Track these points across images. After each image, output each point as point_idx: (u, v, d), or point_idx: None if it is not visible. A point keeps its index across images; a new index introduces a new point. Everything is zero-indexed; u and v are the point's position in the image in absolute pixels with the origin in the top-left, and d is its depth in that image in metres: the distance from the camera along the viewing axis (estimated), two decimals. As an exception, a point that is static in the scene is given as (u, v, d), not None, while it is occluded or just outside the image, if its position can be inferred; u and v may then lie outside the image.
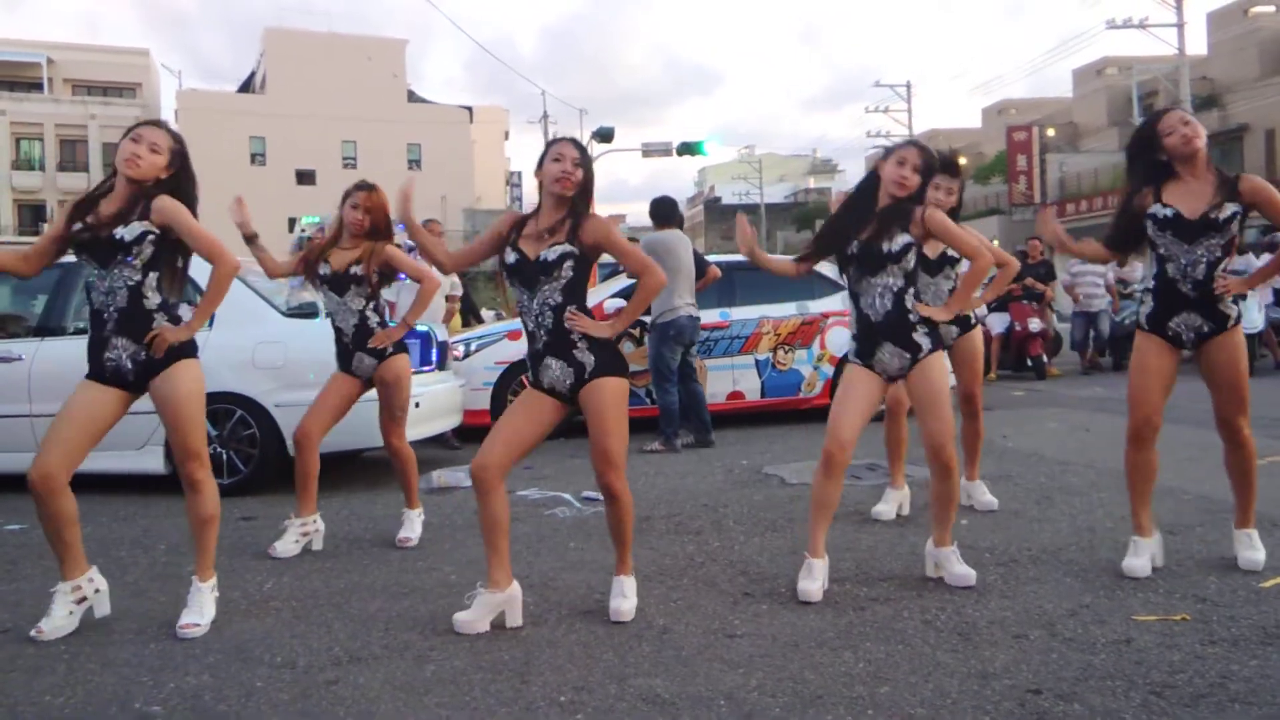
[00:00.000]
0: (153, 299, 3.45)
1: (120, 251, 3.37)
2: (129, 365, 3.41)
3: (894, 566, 4.02)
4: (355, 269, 4.53)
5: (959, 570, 3.71)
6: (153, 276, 3.44)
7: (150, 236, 3.39)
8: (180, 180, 3.49)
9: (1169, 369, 3.76)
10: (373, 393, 4.71)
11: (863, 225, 3.70)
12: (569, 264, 3.37)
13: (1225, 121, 32.61)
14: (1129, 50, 35.75)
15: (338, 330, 4.63)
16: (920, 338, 3.69)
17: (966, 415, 5.02)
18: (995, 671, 2.89)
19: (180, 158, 3.50)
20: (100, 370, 3.43)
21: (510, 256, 3.44)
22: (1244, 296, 10.50)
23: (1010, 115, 46.71)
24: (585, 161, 3.44)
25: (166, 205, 3.40)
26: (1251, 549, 3.83)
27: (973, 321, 5.01)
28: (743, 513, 5.16)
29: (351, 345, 4.59)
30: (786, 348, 8.56)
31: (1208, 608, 3.38)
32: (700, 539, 4.62)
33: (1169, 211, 3.63)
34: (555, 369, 3.40)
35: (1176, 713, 2.58)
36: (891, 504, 5.00)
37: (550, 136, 32.17)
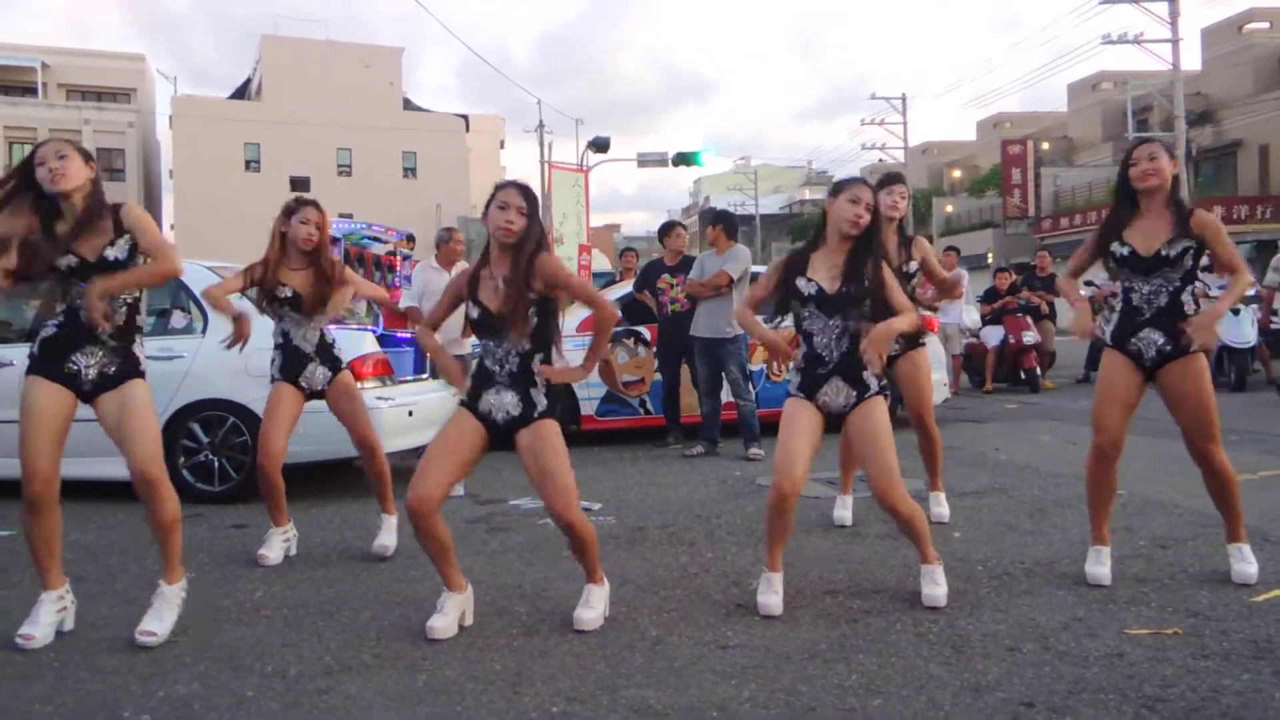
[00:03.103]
0: (142, 316, 3.55)
1: (117, 269, 3.38)
2: (92, 375, 3.41)
3: (887, 579, 4.02)
4: (324, 299, 4.52)
5: (927, 590, 3.67)
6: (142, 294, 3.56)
7: (136, 249, 3.43)
8: (98, 179, 3.48)
9: (1133, 389, 3.83)
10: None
11: (812, 266, 3.70)
12: (532, 311, 3.37)
13: (1219, 137, 32.76)
14: (1124, 65, 35.99)
15: (292, 346, 4.55)
16: (869, 377, 3.66)
17: (921, 432, 5.04)
18: (988, 684, 2.88)
19: (87, 154, 3.46)
20: (54, 369, 3.39)
21: (473, 311, 3.43)
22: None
23: (1005, 129, 46.88)
24: (531, 209, 3.41)
25: (134, 214, 3.44)
26: (1243, 562, 3.85)
27: (920, 341, 5.02)
28: (736, 524, 5.15)
29: (316, 358, 4.56)
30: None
31: (1200, 622, 3.38)
32: (694, 550, 4.62)
33: (1125, 250, 3.79)
34: (508, 399, 3.40)
35: (1169, 727, 2.58)
36: (848, 509, 5.08)
37: (546, 146, 32.24)
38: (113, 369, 3.43)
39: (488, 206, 3.43)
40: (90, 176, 3.42)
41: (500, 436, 3.47)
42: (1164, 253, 3.72)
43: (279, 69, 45.37)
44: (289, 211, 4.55)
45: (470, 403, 3.47)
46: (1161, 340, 3.76)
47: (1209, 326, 3.70)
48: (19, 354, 6.03)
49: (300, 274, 4.51)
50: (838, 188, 3.75)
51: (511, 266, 3.38)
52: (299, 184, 44.94)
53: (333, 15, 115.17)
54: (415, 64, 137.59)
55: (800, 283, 3.68)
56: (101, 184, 3.49)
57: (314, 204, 4.59)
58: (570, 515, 3.40)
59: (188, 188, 43.07)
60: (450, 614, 3.44)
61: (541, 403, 3.42)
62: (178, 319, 6.35)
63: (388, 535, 4.67)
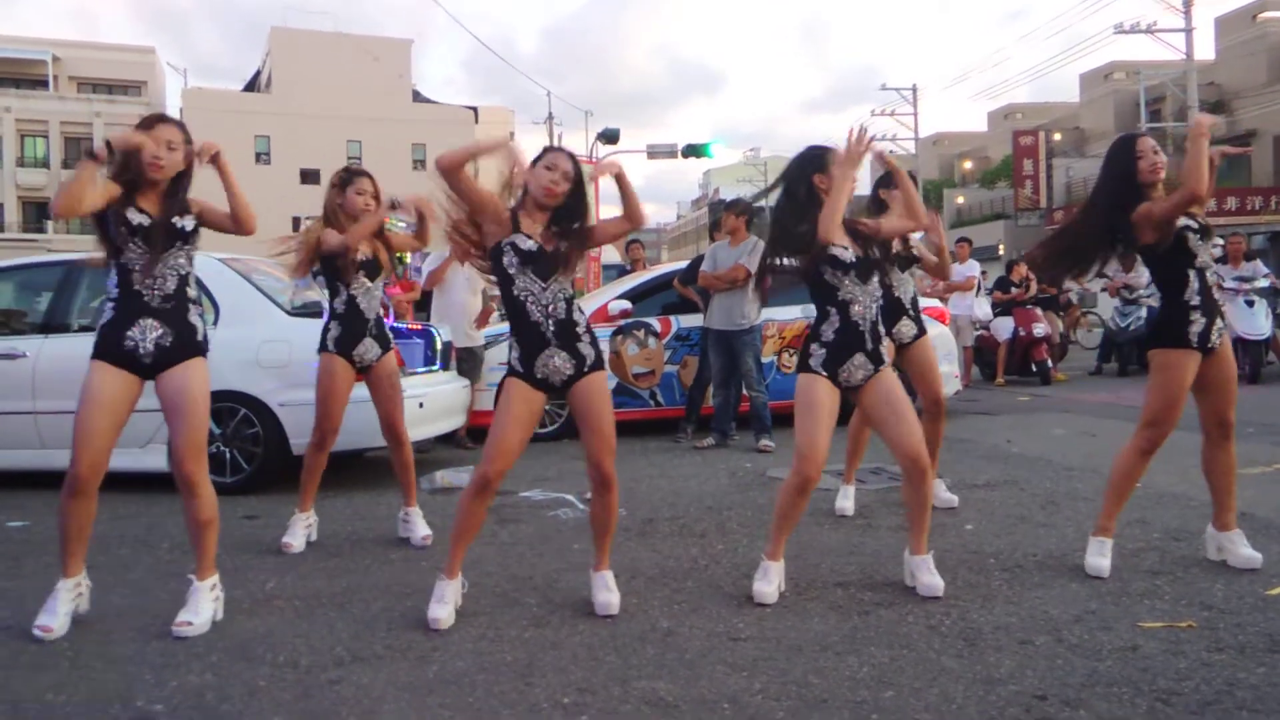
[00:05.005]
0: (193, 289, 3.56)
1: (179, 239, 3.47)
2: (150, 348, 3.41)
3: (898, 571, 3.99)
4: (378, 255, 4.62)
5: (928, 580, 3.65)
6: (194, 270, 3.57)
7: (199, 230, 3.54)
8: (190, 169, 3.58)
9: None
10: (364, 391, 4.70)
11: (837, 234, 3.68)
12: (579, 257, 3.55)
13: (1233, 127, 32.51)
14: (1137, 55, 35.65)
15: (357, 313, 4.56)
16: (883, 351, 3.72)
17: (932, 419, 5.04)
18: (1001, 677, 2.87)
19: (189, 144, 3.55)
20: (115, 350, 3.41)
21: (527, 243, 3.46)
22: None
23: (1017, 120, 46.65)
24: (577, 177, 3.53)
25: (202, 203, 3.58)
26: (1246, 546, 3.90)
27: (922, 333, 5.06)
28: (746, 516, 5.14)
29: (373, 330, 4.58)
30: (791, 351, 8.54)
31: (1214, 615, 3.36)
32: (704, 542, 4.61)
33: (1196, 222, 3.76)
34: (558, 360, 3.47)
35: (1183, 720, 2.57)
36: (849, 500, 5.12)
37: (555, 138, 32.20)
38: (169, 340, 3.42)
39: (535, 163, 3.52)
40: (182, 169, 3.51)
41: (556, 393, 3.57)
42: (1209, 227, 3.81)
43: (288, 61, 45.43)
44: (343, 184, 4.61)
45: (524, 373, 3.48)
46: (1222, 324, 3.82)
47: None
48: (31, 346, 6.10)
49: (368, 241, 4.58)
50: (822, 164, 3.70)
51: (558, 218, 3.52)
52: (309, 176, 45.02)
53: (340, 7, 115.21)
54: (422, 56, 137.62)
55: (843, 253, 3.65)
56: (191, 172, 3.57)
57: (367, 174, 4.67)
58: (606, 466, 3.50)
59: (198, 180, 43.01)
60: (450, 602, 3.48)
61: (590, 354, 3.51)
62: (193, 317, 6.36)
63: (423, 525, 4.67)
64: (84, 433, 3.36)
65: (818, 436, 3.61)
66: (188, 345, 3.46)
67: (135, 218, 3.42)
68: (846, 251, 3.65)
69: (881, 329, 3.75)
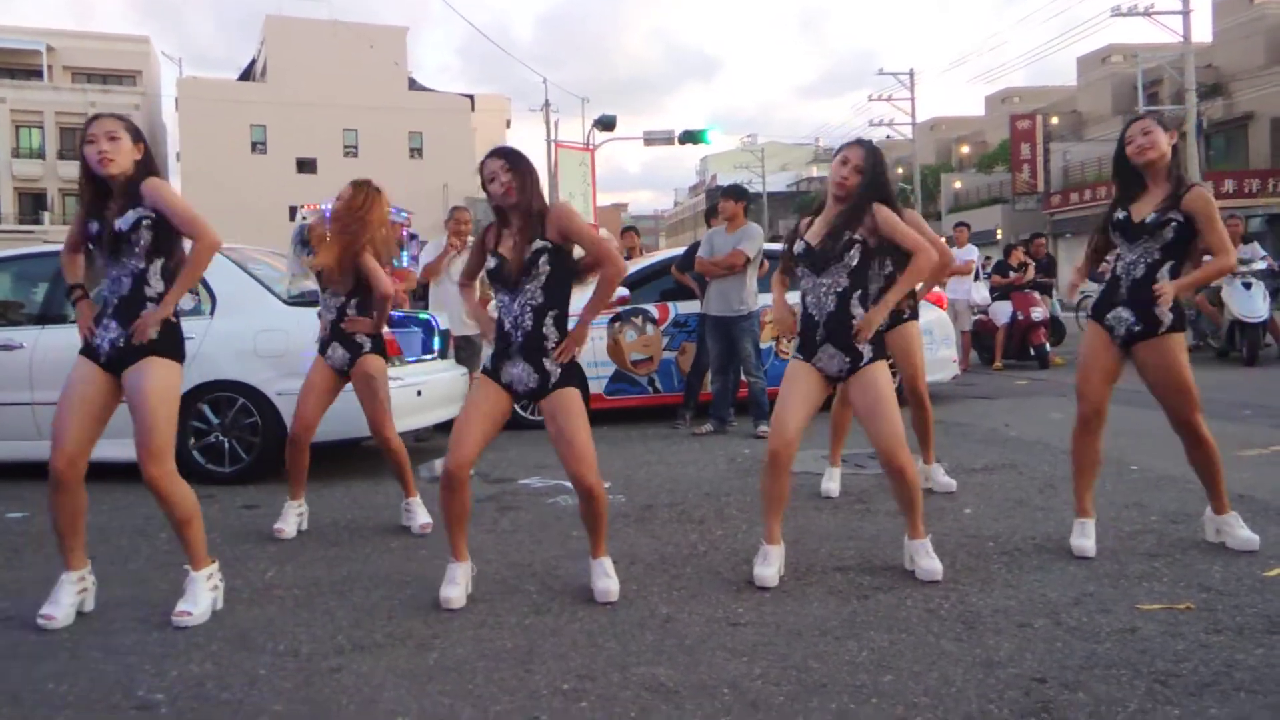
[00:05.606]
0: (155, 286, 3.44)
1: (122, 242, 3.39)
2: (105, 347, 3.41)
3: (897, 555, 4.00)
4: (341, 274, 4.61)
5: (925, 564, 3.67)
6: (158, 264, 3.44)
7: (145, 221, 3.39)
8: (150, 157, 3.51)
9: (1112, 359, 3.87)
10: (389, 381, 4.76)
11: (811, 228, 3.79)
12: (544, 259, 3.44)
13: (1230, 110, 32.48)
14: (1134, 38, 35.62)
15: (324, 320, 4.72)
16: (862, 346, 3.67)
17: (914, 405, 5.05)
18: (1000, 660, 2.88)
19: (137, 133, 3.48)
20: (89, 346, 3.45)
21: (491, 262, 3.54)
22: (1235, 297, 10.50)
23: (1014, 104, 46.56)
24: (515, 163, 3.51)
25: (150, 185, 3.42)
26: (1244, 529, 3.91)
27: (905, 316, 5.00)
28: (745, 501, 5.15)
29: (330, 335, 4.65)
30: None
31: (1212, 596, 3.37)
32: (703, 528, 4.62)
33: (1122, 215, 3.85)
34: (520, 372, 3.50)
35: (1181, 701, 2.57)
36: (835, 481, 5.19)
37: (552, 125, 32.11)
38: (123, 341, 3.39)
39: (483, 186, 3.55)
40: (137, 158, 3.42)
41: (526, 398, 3.59)
42: (1147, 220, 3.76)
43: (284, 50, 45.25)
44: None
45: (492, 372, 3.56)
46: (1132, 319, 3.80)
47: (1170, 294, 3.71)
48: (28, 337, 6.08)
49: (330, 248, 4.60)
50: (838, 150, 3.85)
51: (522, 217, 3.49)
52: (305, 165, 44.94)
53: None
54: (418, 43, 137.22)
55: (796, 244, 3.79)
56: (152, 160, 3.50)
57: (359, 184, 4.70)
58: (588, 479, 3.47)
59: (194, 170, 43.03)
60: (461, 583, 3.53)
61: (555, 372, 3.49)
62: (186, 301, 6.35)
63: (423, 514, 4.70)
64: (57, 428, 3.38)
65: (785, 413, 3.69)
66: (144, 347, 3.39)
67: (93, 227, 3.42)
68: (800, 242, 3.75)
69: (856, 324, 3.66)
